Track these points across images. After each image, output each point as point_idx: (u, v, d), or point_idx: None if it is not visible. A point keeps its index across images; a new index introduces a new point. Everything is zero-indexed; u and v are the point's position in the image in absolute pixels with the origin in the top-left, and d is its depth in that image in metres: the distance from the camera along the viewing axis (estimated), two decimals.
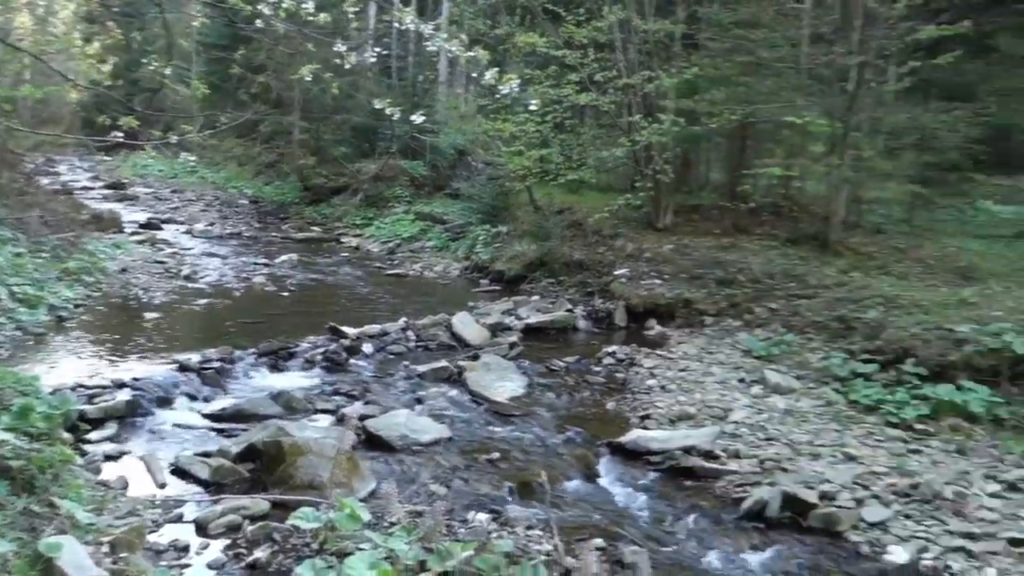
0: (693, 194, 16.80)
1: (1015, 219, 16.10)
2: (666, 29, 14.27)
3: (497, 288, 14.57)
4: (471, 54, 6.16)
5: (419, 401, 8.44)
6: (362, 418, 7.53)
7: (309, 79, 7.58)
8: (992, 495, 6.39)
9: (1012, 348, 8.15)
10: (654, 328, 11.71)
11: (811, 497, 6.14)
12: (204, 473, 6.27)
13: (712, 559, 5.50)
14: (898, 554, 5.59)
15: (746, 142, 15.98)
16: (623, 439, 7.38)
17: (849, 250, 12.87)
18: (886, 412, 8.05)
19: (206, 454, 6.61)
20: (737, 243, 13.56)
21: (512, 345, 10.62)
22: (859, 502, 6.24)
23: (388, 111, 6.90)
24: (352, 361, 9.79)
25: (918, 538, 5.77)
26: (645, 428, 7.84)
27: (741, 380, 9.29)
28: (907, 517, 6.07)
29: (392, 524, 5.09)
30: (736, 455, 7.20)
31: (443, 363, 9.55)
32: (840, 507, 6.13)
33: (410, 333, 10.85)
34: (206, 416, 7.74)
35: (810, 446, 7.36)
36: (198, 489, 6.12)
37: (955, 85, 15.35)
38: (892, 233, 14.20)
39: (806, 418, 8.09)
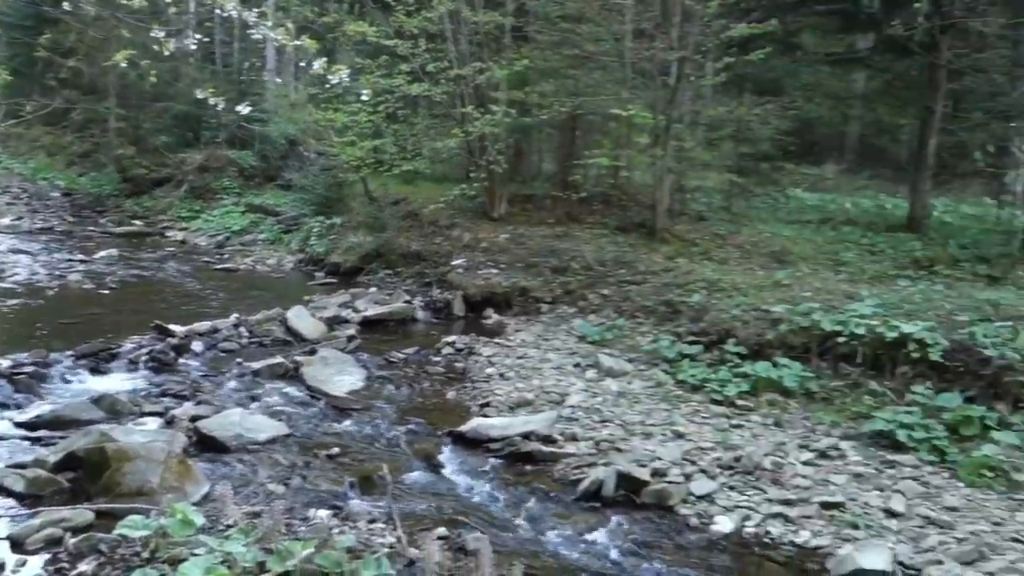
0: (527, 184, 17.10)
1: (821, 206, 17.38)
2: (495, 21, 14.42)
3: (333, 281, 14.31)
4: (297, 43, 6.00)
5: (254, 399, 8.19)
6: (193, 419, 7.22)
7: (124, 65, 7.16)
8: (805, 463, 6.88)
9: (820, 326, 8.79)
10: (492, 317, 11.86)
11: (644, 475, 6.41)
12: (19, 486, 5.83)
13: (552, 540, 5.65)
14: (723, 524, 5.93)
15: (576, 133, 16.43)
16: (464, 428, 7.44)
17: (674, 237, 13.47)
18: (711, 390, 8.50)
19: (20, 465, 6.14)
20: (570, 232, 13.92)
21: (350, 338, 10.49)
22: (688, 477, 6.57)
23: (212, 101, 6.63)
24: (181, 360, 9.37)
25: (741, 507, 6.14)
26: (485, 416, 7.93)
27: (577, 365, 9.55)
28: (731, 488, 6.44)
29: (228, 527, 4.92)
30: (573, 438, 7.41)
31: (278, 359, 9.30)
32: (671, 482, 6.43)
33: (243, 329, 10.50)
34: (19, 425, 7.19)
35: (642, 426, 7.66)
36: (12, 503, 5.69)
37: (766, 80, 16.36)
38: (713, 220, 14.99)
39: (638, 399, 8.43)
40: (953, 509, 6.12)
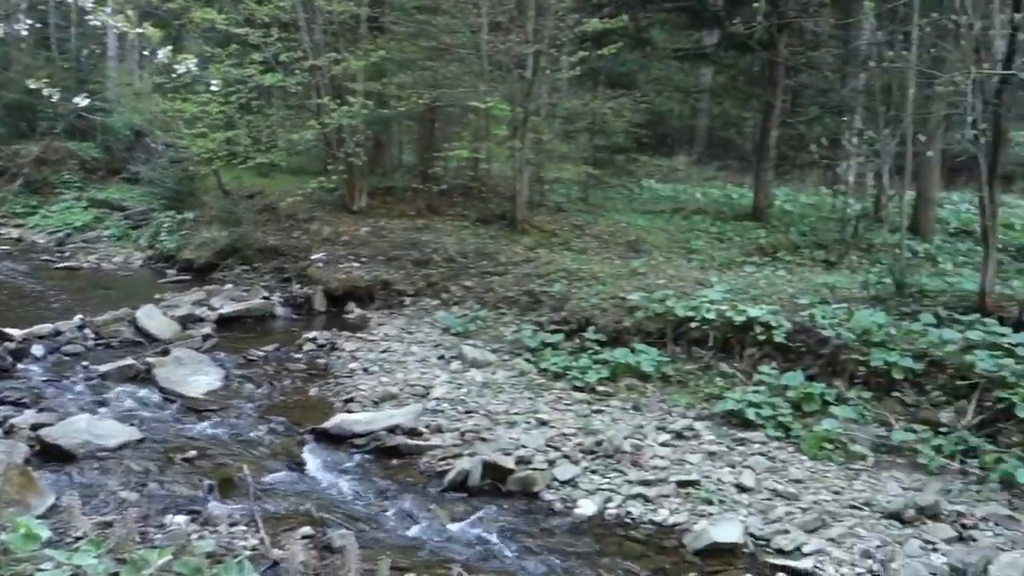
0: (387, 176, 16.96)
1: (673, 196, 18.03)
2: (350, 10, 14.18)
3: (186, 278, 13.75)
4: (140, 30, 5.73)
5: (103, 404, 7.78)
6: (35, 427, 6.81)
7: None
8: (663, 444, 7.15)
9: (674, 312, 9.14)
10: (354, 311, 11.71)
11: (509, 463, 6.50)
12: None
13: (419, 533, 5.65)
14: (586, 506, 6.09)
15: (435, 125, 16.41)
16: (327, 425, 7.33)
17: (534, 228, 13.69)
18: (572, 377, 8.69)
19: None
20: (431, 224, 13.91)
21: (206, 337, 10.12)
22: (552, 463, 6.70)
23: (46, 92, 6.25)
24: (20, 366, 8.79)
25: (603, 490, 6.33)
26: (349, 412, 7.83)
27: (441, 357, 9.57)
28: (593, 472, 6.62)
29: (78, 539, 4.67)
30: (439, 430, 7.43)
31: (128, 361, 8.88)
32: (535, 469, 6.55)
33: (88, 331, 9.95)
34: None
35: (506, 415, 7.76)
36: None
37: (619, 74, 16.83)
38: (572, 211, 15.31)
39: (502, 389, 8.52)
40: (798, 481, 6.51)
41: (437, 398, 8.16)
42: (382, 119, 15.26)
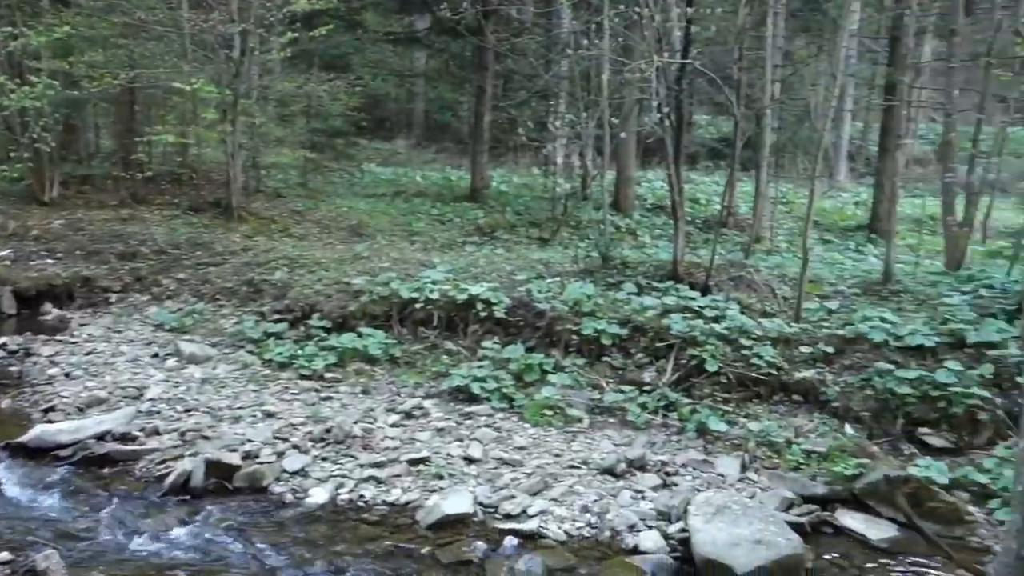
0: (83, 164, 15.59)
1: (394, 179, 18.15)
2: None
3: None
4: None
5: None
6: None
7: None
8: (393, 425, 7.23)
9: (399, 294, 9.23)
10: (51, 312, 10.64)
11: (234, 459, 6.26)
12: None
13: (137, 542, 5.28)
14: (318, 495, 6.01)
15: (135, 108, 15.28)
16: (24, 438, 6.64)
17: (252, 215, 13.21)
18: (299, 366, 8.52)
19: None
20: (137, 214, 13.00)
21: None
22: (280, 455, 6.54)
23: None
24: None
25: (335, 477, 6.28)
26: (50, 422, 7.13)
27: (155, 355, 8.99)
28: (324, 460, 6.55)
29: None
30: (156, 432, 6.98)
31: None
32: (263, 463, 6.36)
33: None
34: None
35: (230, 410, 7.46)
36: None
37: (333, 57, 16.64)
38: (291, 197, 14.95)
39: (225, 383, 8.18)
40: (522, 448, 6.85)
41: (152, 399, 7.66)
42: (72, 101, 13.93)
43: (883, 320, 8.12)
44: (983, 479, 6.23)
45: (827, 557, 5.45)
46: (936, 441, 6.95)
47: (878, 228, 14.04)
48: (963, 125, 12.48)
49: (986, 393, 7.02)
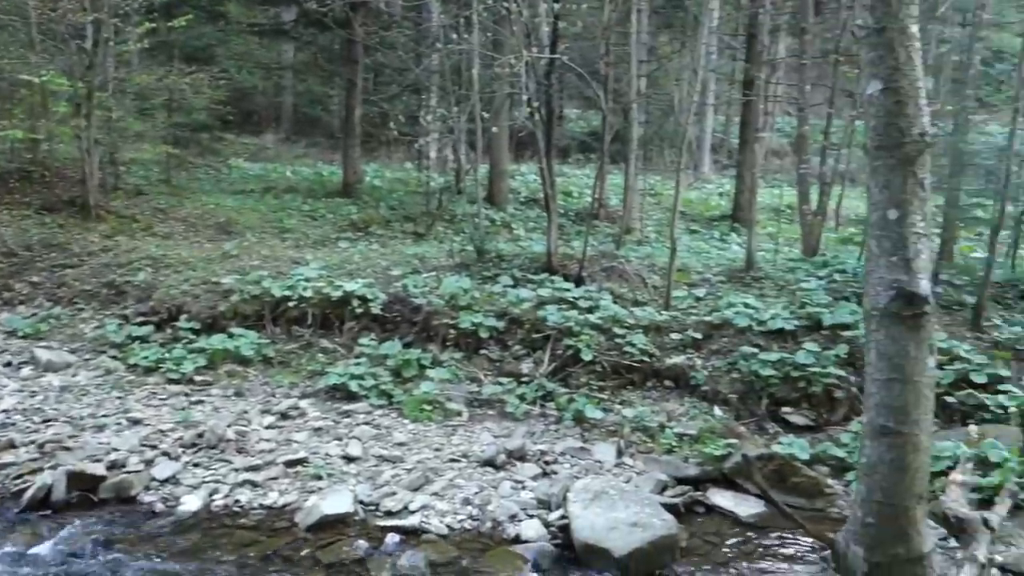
0: None
1: (263, 175, 17.66)
2: None
3: None
4: None
5: None
6: None
7: None
8: (268, 427, 7.08)
9: (271, 293, 9.02)
10: None
11: (99, 470, 6.00)
12: None
13: None
14: (190, 502, 5.82)
15: None
16: None
17: (111, 214, 12.59)
18: (166, 370, 8.20)
19: None
20: None
21: None
22: (149, 463, 6.30)
23: None
24: None
25: (208, 483, 6.09)
26: None
27: (8, 364, 8.48)
28: (197, 466, 6.34)
29: None
30: (11, 445, 6.57)
31: None
32: (131, 472, 6.11)
33: None
34: None
35: (93, 419, 7.12)
36: None
37: (195, 48, 16.03)
38: (153, 194, 14.30)
39: (86, 391, 7.79)
40: (402, 444, 6.83)
41: (6, 410, 7.22)
42: None
43: (747, 306, 8.51)
44: (840, 453, 6.63)
45: (700, 535, 5.67)
46: (798, 419, 7.34)
47: (740, 217, 14.62)
48: (815, 119, 13.18)
49: (842, 372, 7.47)
